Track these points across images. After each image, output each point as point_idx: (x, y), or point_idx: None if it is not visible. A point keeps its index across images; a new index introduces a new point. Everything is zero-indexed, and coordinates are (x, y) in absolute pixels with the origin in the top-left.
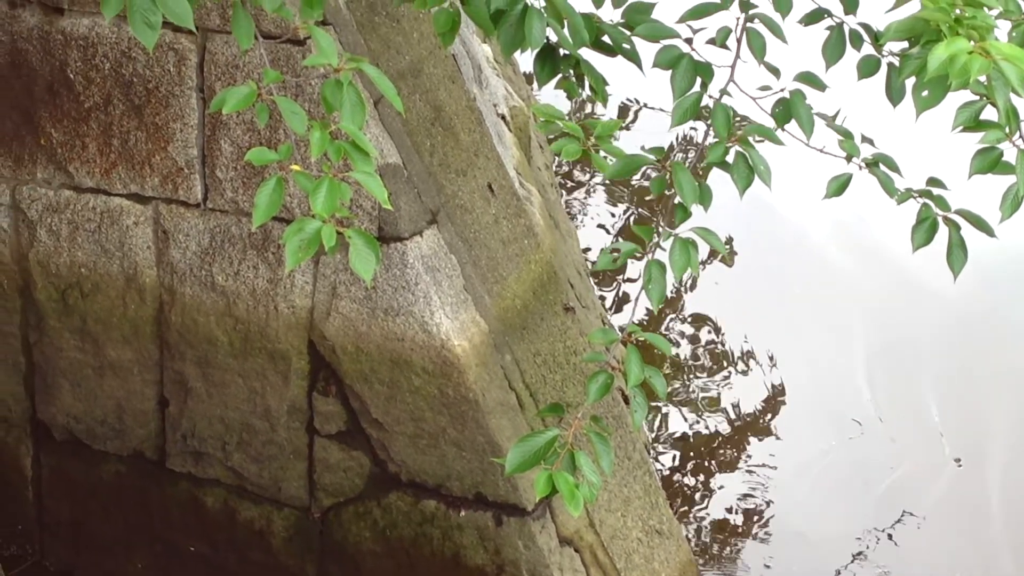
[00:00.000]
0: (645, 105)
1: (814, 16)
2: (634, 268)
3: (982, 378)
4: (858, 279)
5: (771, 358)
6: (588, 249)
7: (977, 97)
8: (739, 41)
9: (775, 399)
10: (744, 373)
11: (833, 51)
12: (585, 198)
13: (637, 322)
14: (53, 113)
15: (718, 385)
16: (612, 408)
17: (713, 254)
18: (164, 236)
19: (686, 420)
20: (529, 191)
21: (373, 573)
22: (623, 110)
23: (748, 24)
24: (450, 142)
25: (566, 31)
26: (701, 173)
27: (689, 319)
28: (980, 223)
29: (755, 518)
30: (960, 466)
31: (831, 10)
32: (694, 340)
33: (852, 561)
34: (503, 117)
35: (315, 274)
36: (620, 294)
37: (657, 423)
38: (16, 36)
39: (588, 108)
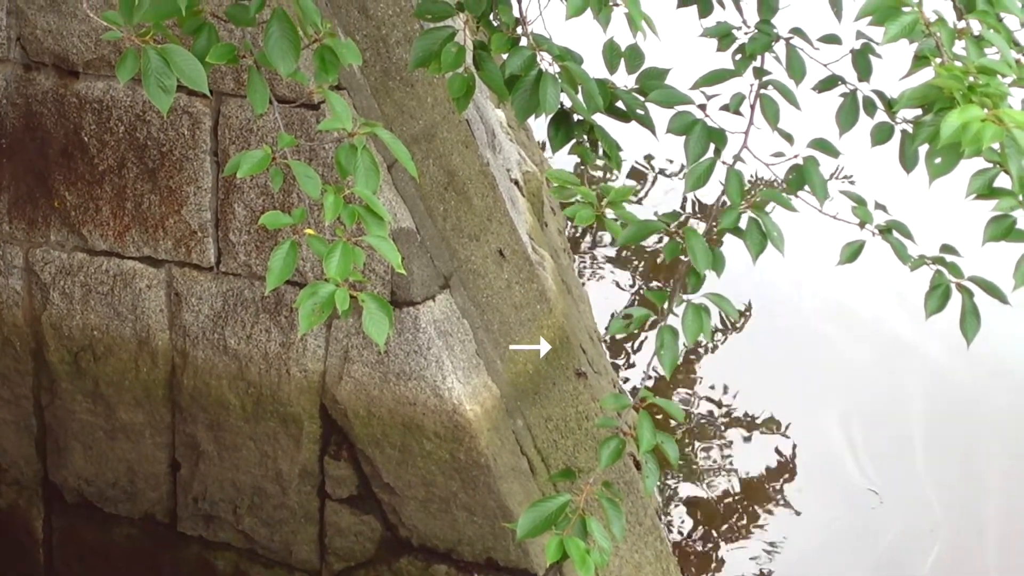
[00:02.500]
0: (661, 172)
1: (828, 83)
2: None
3: (995, 446)
4: (872, 344)
5: (782, 424)
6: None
7: (991, 164)
8: (753, 107)
9: (786, 465)
10: (755, 439)
11: (847, 118)
12: (598, 263)
13: (649, 387)
14: (67, 176)
15: (729, 451)
16: (624, 474)
17: (728, 321)
18: (177, 299)
19: (697, 486)
20: (542, 256)
21: None
22: (637, 174)
23: (762, 90)
24: (463, 207)
25: (580, 96)
26: (714, 239)
27: (701, 385)
28: (993, 290)
29: None
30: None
31: (845, 77)
32: (706, 406)
33: None
34: (516, 182)
35: (327, 338)
36: (632, 360)
37: (669, 489)
38: (31, 99)
39: (600, 171)
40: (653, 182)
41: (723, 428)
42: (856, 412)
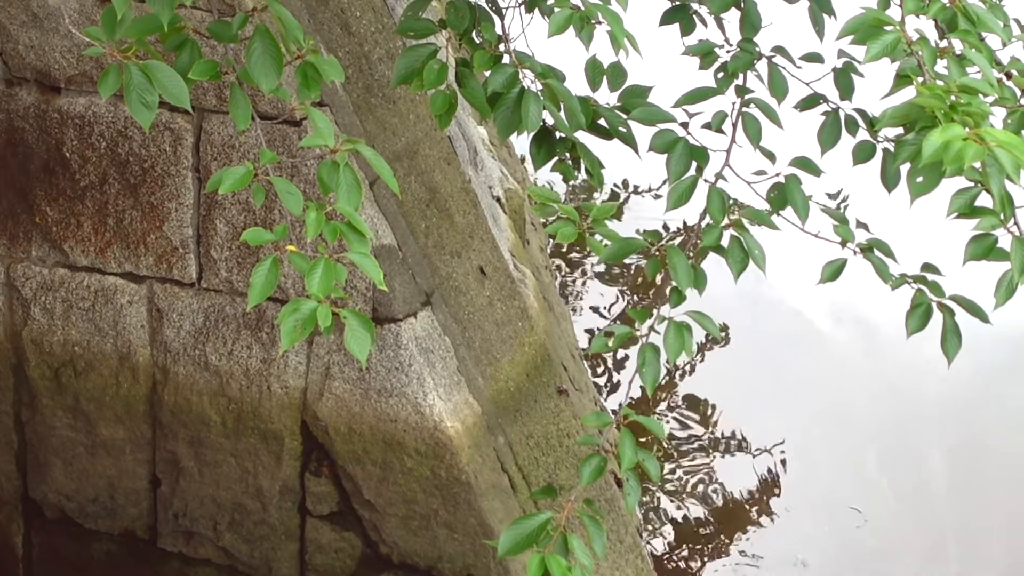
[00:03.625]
0: (637, 188)
1: (810, 101)
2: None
3: (980, 464)
4: (853, 362)
5: (765, 442)
6: (588, 332)
7: (972, 183)
8: (735, 125)
9: (769, 483)
10: (738, 457)
11: (829, 136)
12: (580, 280)
13: (630, 404)
14: (48, 191)
15: (711, 469)
16: (605, 491)
17: (710, 339)
18: (158, 315)
19: (678, 504)
20: (523, 273)
21: None
22: (617, 195)
23: (744, 109)
24: (445, 224)
25: (563, 114)
26: (695, 257)
27: (683, 402)
28: (975, 309)
29: None
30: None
31: (827, 96)
32: (688, 423)
33: None
34: (498, 199)
35: (309, 355)
36: (614, 378)
37: (650, 506)
38: (12, 114)
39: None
40: (625, 200)
41: (706, 445)
42: (841, 430)
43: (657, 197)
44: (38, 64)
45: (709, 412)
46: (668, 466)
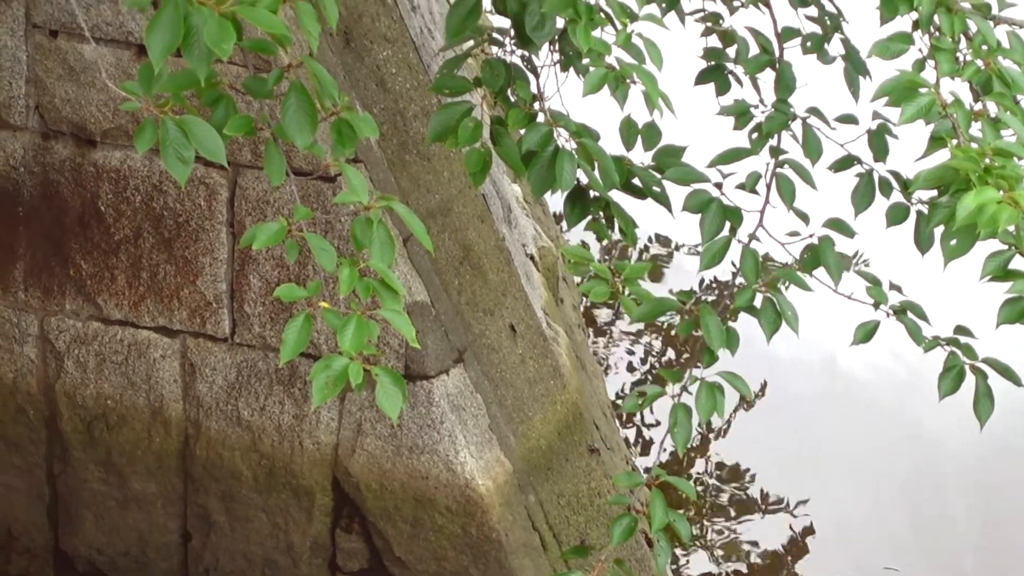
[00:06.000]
0: (676, 247)
1: (844, 163)
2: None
3: (1016, 526)
4: (887, 422)
5: (797, 501)
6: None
7: (1006, 247)
8: (769, 186)
9: (801, 543)
10: (769, 517)
11: (863, 198)
12: (612, 339)
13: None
14: (83, 245)
15: (742, 529)
16: (635, 551)
17: (743, 400)
18: (191, 370)
19: (710, 563)
20: (556, 331)
21: None
22: (655, 257)
23: (778, 169)
24: (478, 281)
25: (597, 173)
26: (729, 317)
27: (715, 462)
28: (1008, 372)
29: None
30: None
31: (861, 157)
32: (719, 483)
33: None
34: (532, 257)
35: (341, 411)
36: (646, 437)
37: (681, 567)
38: (48, 167)
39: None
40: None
41: (737, 504)
42: (873, 490)
43: (694, 253)
44: (74, 118)
45: (741, 472)
46: (699, 526)
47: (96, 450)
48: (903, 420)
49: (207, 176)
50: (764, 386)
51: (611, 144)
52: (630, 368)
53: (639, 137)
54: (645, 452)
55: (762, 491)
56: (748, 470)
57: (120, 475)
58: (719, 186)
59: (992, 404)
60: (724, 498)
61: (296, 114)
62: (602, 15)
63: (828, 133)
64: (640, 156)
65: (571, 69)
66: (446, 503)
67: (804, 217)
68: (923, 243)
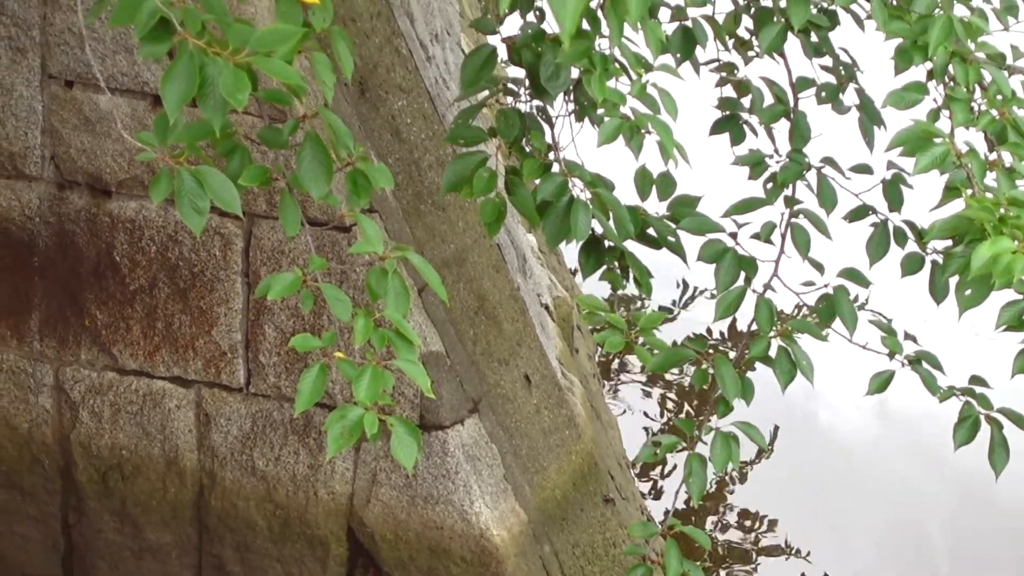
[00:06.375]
0: (696, 291)
1: (858, 213)
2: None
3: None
4: (901, 471)
5: (811, 552)
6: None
7: (1021, 296)
8: (783, 236)
9: None
10: (784, 567)
11: (877, 248)
12: (626, 388)
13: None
14: (98, 295)
15: None
16: None
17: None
18: (206, 420)
19: None
20: (571, 381)
21: None
22: (668, 309)
23: (793, 219)
24: (493, 331)
25: (612, 223)
26: (743, 367)
27: (730, 512)
28: (1022, 422)
29: None
30: None
31: (876, 207)
32: (734, 533)
33: None
34: (547, 307)
35: (356, 460)
36: (660, 487)
37: None
38: (63, 218)
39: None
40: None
41: (752, 554)
42: (887, 538)
43: (710, 296)
44: (90, 168)
45: (755, 522)
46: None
47: (111, 500)
48: (918, 470)
49: (222, 226)
50: (774, 434)
51: (626, 194)
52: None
53: (654, 187)
54: (658, 498)
55: (785, 540)
56: (765, 516)
57: (135, 525)
58: (734, 236)
59: (1007, 454)
60: (738, 548)
61: (311, 164)
62: (617, 65)
63: (843, 183)
64: (655, 206)
65: (586, 119)
66: (461, 553)
67: (819, 267)
68: (938, 293)
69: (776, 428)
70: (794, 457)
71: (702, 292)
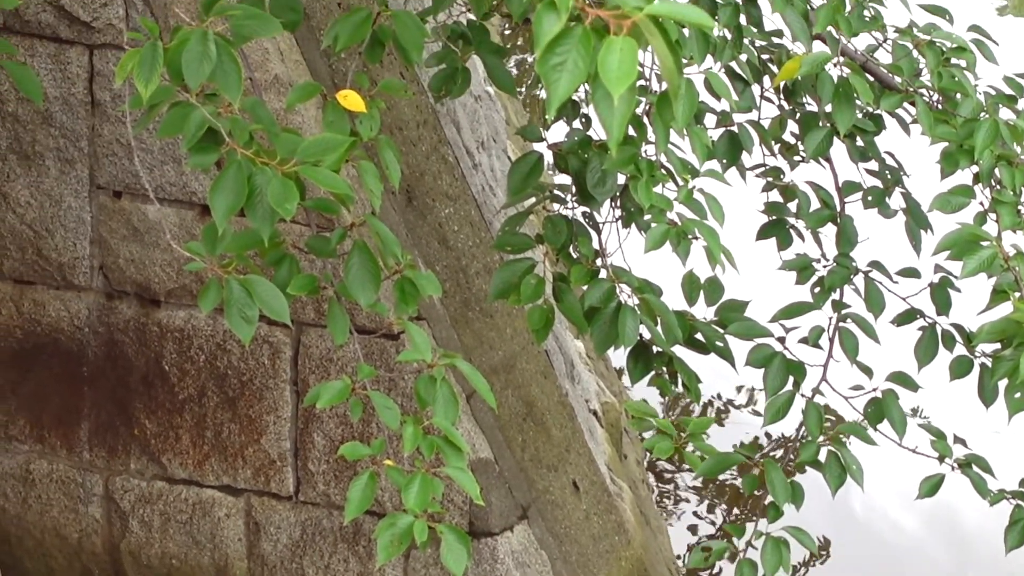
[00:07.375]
0: (734, 403)
1: (907, 317)
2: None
3: None
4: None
5: None
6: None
7: None
8: (831, 340)
9: None
10: None
11: (926, 351)
12: (676, 494)
13: None
14: (147, 404)
15: None
16: None
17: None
18: (255, 528)
19: None
20: (620, 487)
21: None
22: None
23: (840, 323)
24: (542, 437)
25: (659, 328)
26: (793, 471)
27: None
28: None
29: None
30: None
31: (923, 311)
32: None
33: None
34: (595, 412)
35: (405, 568)
36: None
37: None
38: (112, 328)
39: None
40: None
41: None
42: None
43: (756, 414)
44: (138, 278)
45: None
46: None
47: None
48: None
49: (271, 335)
50: (827, 544)
51: (673, 299)
52: (694, 521)
53: (701, 292)
54: None
55: None
56: None
57: None
58: (782, 340)
59: None
60: None
61: (359, 273)
62: (663, 171)
63: (890, 287)
64: (703, 311)
65: (633, 225)
66: None
67: (867, 371)
68: (987, 396)
69: (827, 540)
70: (844, 560)
71: (761, 390)
